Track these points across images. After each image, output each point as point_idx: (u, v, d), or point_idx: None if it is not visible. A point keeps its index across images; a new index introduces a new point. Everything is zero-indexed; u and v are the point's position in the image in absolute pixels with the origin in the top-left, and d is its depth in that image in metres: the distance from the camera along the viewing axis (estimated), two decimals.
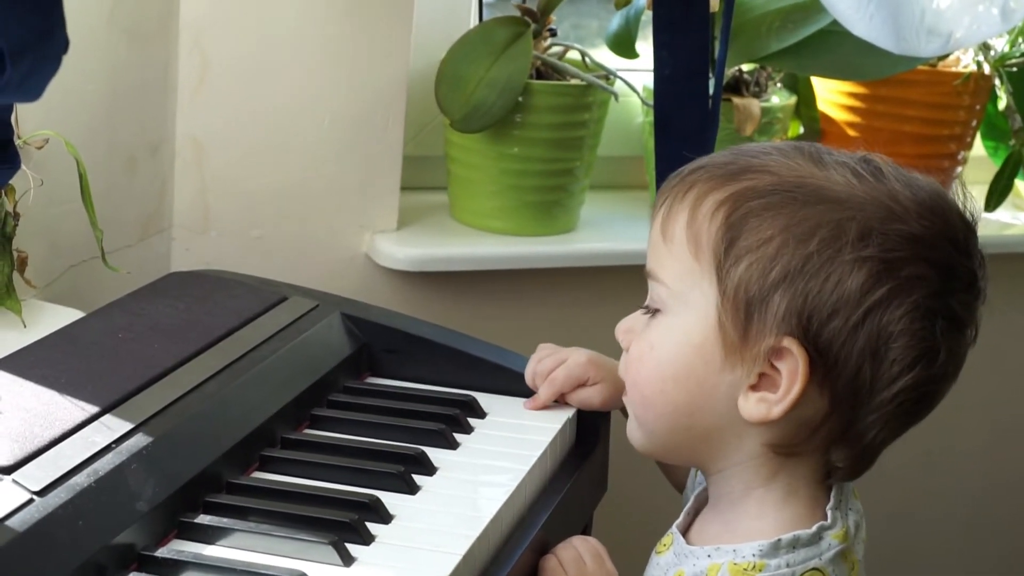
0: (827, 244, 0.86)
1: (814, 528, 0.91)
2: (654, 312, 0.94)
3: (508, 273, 1.64)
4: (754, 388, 0.89)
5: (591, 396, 1.15)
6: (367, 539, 0.93)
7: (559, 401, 1.16)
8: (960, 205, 0.91)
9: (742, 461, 0.93)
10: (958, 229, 0.90)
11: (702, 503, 1.00)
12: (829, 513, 0.92)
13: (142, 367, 1.04)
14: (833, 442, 0.91)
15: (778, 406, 0.88)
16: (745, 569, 0.89)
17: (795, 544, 0.90)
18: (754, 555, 0.90)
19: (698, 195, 0.91)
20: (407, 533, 0.95)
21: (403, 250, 1.56)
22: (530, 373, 1.16)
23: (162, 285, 1.24)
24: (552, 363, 1.15)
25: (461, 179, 1.64)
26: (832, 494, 0.94)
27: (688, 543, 0.95)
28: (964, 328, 0.91)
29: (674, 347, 0.92)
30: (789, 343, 0.87)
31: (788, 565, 0.89)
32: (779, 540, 0.90)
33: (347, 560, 0.90)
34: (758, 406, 0.89)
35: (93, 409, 0.95)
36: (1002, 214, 1.94)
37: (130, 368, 1.03)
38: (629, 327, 0.97)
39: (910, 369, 0.88)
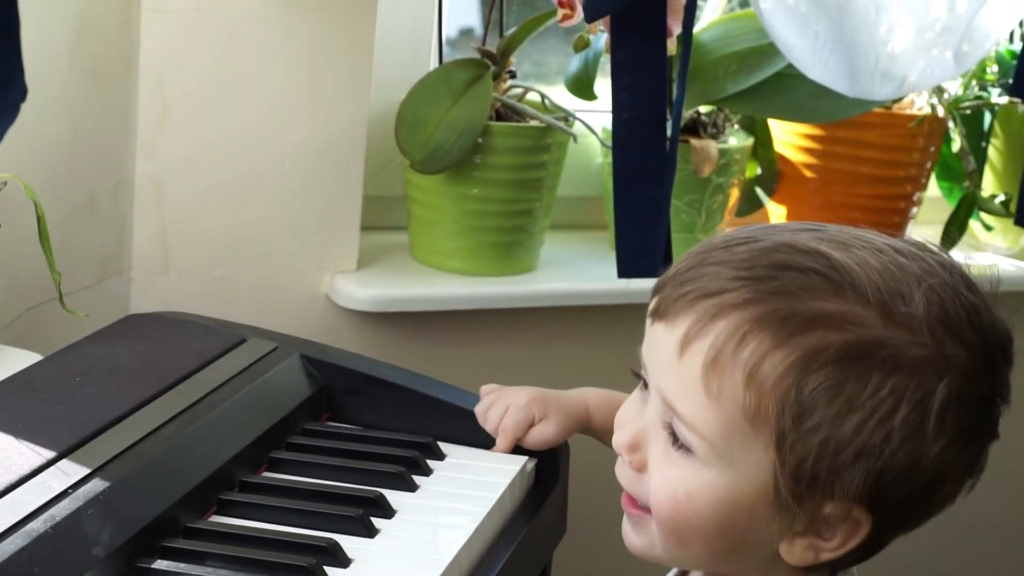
0: (909, 423, 0.80)
1: None
2: (675, 440, 0.85)
3: (468, 313, 1.64)
4: (802, 534, 0.84)
5: (544, 433, 1.15)
6: None
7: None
8: (998, 313, 0.84)
9: (763, 575, 0.88)
10: (1010, 355, 0.84)
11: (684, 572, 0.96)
12: None
13: (100, 411, 1.03)
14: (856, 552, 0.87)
15: (829, 554, 0.84)
16: None
17: None
18: None
19: (758, 354, 0.80)
20: None
21: (363, 290, 1.57)
22: (480, 418, 1.17)
23: (120, 327, 1.24)
24: (498, 412, 1.16)
25: (421, 219, 1.64)
26: None
27: None
28: (996, 440, 0.87)
29: (717, 503, 0.84)
30: (857, 512, 0.82)
31: None
32: None
33: None
34: (805, 552, 0.84)
35: (50, 454, 0.95)
36: (956, 255, 1.95)
37: (87, 412, 1.03)
38: (635, 443, 0.88)
39: (954, 497, 0.85)
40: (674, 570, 0.97)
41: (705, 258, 0.85)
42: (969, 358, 0.81)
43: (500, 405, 1.16)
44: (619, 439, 0.89)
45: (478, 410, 1.18)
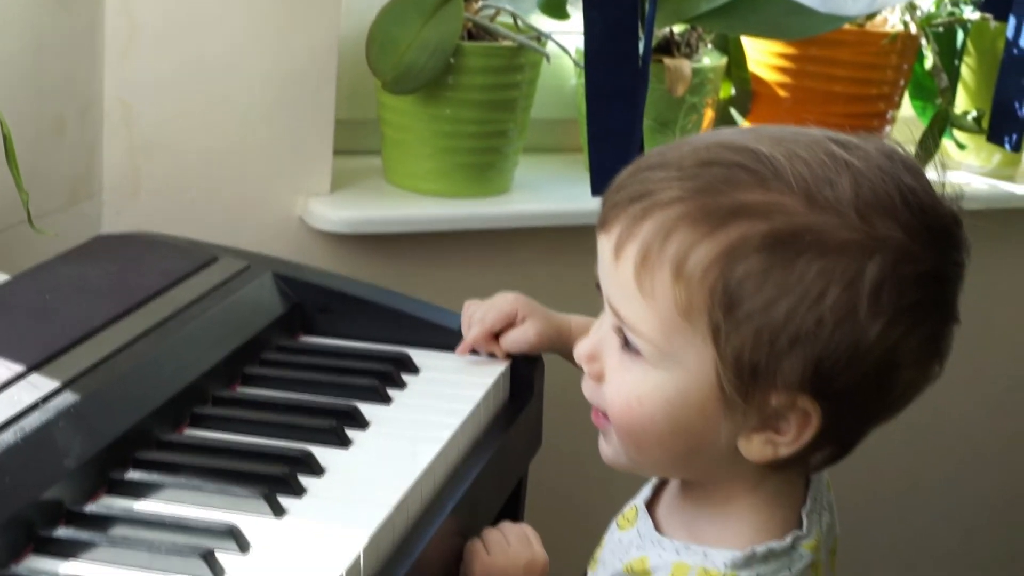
0: (840, 304, 0.80)
1: (788, 540, 0.87)
2: (626, 345, 0.85)
3: (443, 235, 1.64)
4: (761, 429, 0.84)
5: (525, 333, 1.15)
6: (299, 491, 0.93)
7: (495, 355, 1.17)
8: (939, 192, 0.83)
9: (732, 477, 0.88)
10: (954, 235, 0.83)
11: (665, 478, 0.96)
12: (804, 519, 0.89)
13: (69, 327, 1.03)
14: (829, 446, 0.87)
15: (786, 448, 0.84)
16: None
17: (768, 556, 0.86)
18: (726, 564, 0.86)
19: (682, 249, 0.81)
20: (339, 486, 0.95)
21: (337, 212, 1.56)
22: (464, 324, 1.17)
23: (90, 248, 1.23)
24: (482, 308, 1.15)
25: (394, 142, 1.64)
26: (808, 495, 0.91)
27: (655, 527, 0.92)
28: (957, 323, 0.86)
29: (667, 404, 0.84)
30: (803, 401, 0.82)
31: None
32: (753, 552, 0.86)
33: (278, 512, 0.90)
34: (764, 448, 0.84)
35: (19, 368, 0.95)
36: (929, 174, 1.96)
37: (57, 328, 1.03)
38: (593, 353, 0.89)
39: (916, 386, 0.85)
40: (652, 481, 0.97)
41: (640, 165, 0.86)
42: (906, 238, 0.80)
43: (485, 303, 1.16)
44: (579, 350, 0.90)
45: (463, 316, 1.17)
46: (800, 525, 0.89)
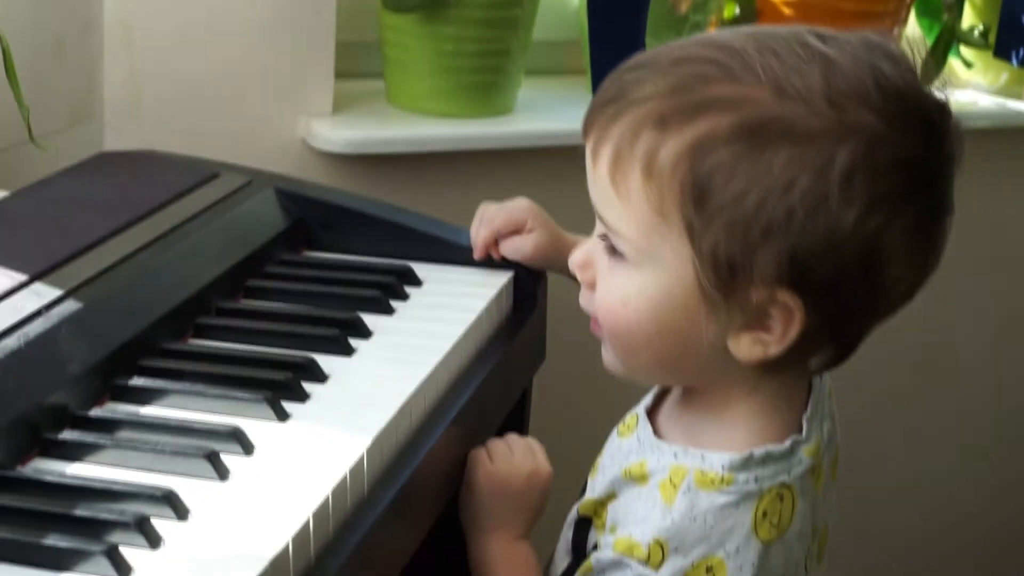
0: (810, 193, 0.79)
1: (788, 443, 0.88)
2: (613, 251, 0.86)
3: (445, 155, 1.63)
4: (749, 328, 0.84)
5: (523, 243, 1.15)
6: (302, 397, 0.93)
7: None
8: (923, 82, 0.82)
9: (728, 380, 0.88)
10: (936, 122, 0.82)
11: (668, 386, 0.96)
12: (804, 424, 0.89)
13: (72, 239, 1.03)
14: (822, 348, 0.87)
15: (775, 346, 0.83)
16: (712, 480, 0.86)
17: (766, 459, 0.87)
18: (723, 467, 0.86)
19: (650, 146, 0.81)
20: (342, 391, 0.96)
21: (339, 133, 1.56)
22: (475, 225, 1.17)
23: (92, 164, 1.23)
24: (494, 210, 1.16)
25: (396, 62, 1.63)
26: (810, 400, 0.91)
27: (655, 433, 0.92)
28: (945, 218, 0.85)
29: (651, 306, 0.85)
30: (783, 295, 0.81)
31: (756, 480, 0.86)
32: (751, 455, 0.86)
33: (282, 416, 0.90)
34: (753, 347, 0.84)
35: (21, 277, 0.95)
36: (936, 90, 1.95)
37: (59, 240, 1.03)
38: (585, 261, 0.90)
39: (905, 281, 0.84)
40: (654, 390, 0.98)
41: (619, 68, 0.86)
42: (881, 124, 0.79)
43: (498, 205, 1.16)
44: (572, 259, 0.91)
45: (476, 217, 1.17)
46: (800, 430, 0.89)
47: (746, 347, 0.84)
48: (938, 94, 0.83)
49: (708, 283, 0.82)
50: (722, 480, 0.86)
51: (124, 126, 1.47)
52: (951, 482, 2.24)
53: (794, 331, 0.83)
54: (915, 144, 0.81)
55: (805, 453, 0.89)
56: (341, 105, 1.60)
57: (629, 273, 0.85)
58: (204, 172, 1.22)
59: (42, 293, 0.94)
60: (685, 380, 0.92)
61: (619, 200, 0.83)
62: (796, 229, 0.79)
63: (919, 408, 2.17)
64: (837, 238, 0.80)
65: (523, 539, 1.00)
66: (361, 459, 0.85)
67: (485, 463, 1.01)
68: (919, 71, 0.83)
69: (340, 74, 1.60)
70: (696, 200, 0.80)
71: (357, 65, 1.69)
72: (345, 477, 0.83)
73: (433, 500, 0.97)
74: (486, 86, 1.63)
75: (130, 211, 1.11)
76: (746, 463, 0.86)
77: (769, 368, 0.86)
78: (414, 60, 1.60)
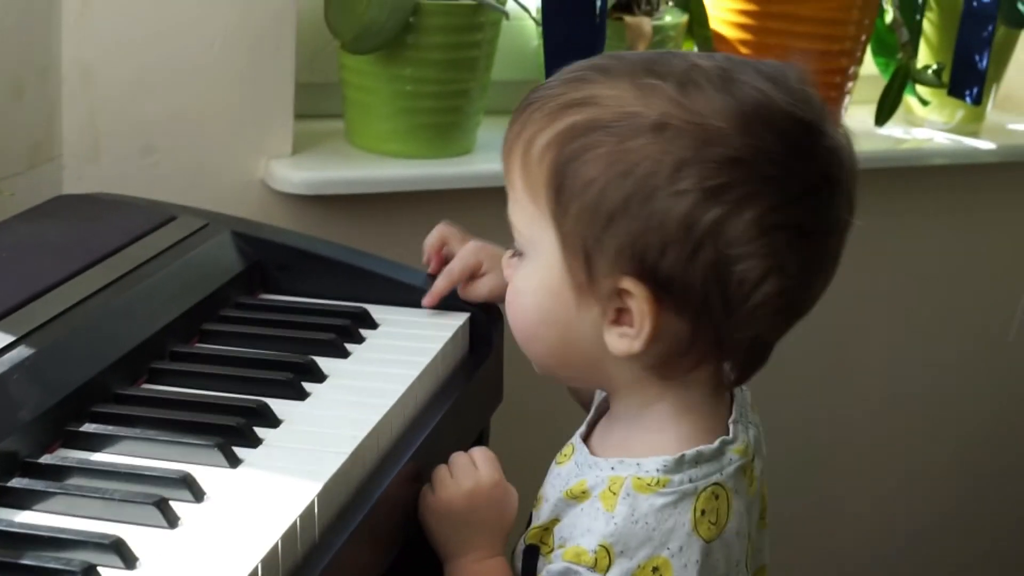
0: (644, 182, 0.84)
1: (716, 443, 0.91)
2: (519, 254, 0.93)
3: (405, 195, 1.64)
4: (615, 323, 0.89)
5: (479, 289, 1.18)
6: (254, 442, 0.93)
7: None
8: (799, 102, 0.86)
9: (630, 383, 0.93)
10: (791, 135, 0.85)
11: (602, 412, 1.00)
12: (731, 427, 0.93)
13: (26, 283, 1.03)
14: (711, 355, 0.91)
15: (637, 340, 0.88)
16: (648, 484, 0.89)
17: (698, 459, 0.90)
18: (658, 470, 0.89)
19: (528, 137, 0.89)
20: (295, 436, 0.96)
21: (299, 174, 1.56)
22: (427, 249, 1.20)
23: (49, 207, 1.23)
24: (440, 235, 1.19)
25: (356, 103, 1.64)
26: (733, 406, 0.95)
27: (591, 453, 0.95)
28: (819, 234, 0.88)
29: (534, 294, 0.92)
30: (628, 284, 0.86)
31: (691, 480, 0.90)
32: (683, 456, 0.90)
33: (233, 462, 0.90)
34: (620, 341, 0.89)
35: None
36: (894, 129, 1.97)
37: (13, 284, 1.03)
38: (507, 262, 0.97)
39: (760, 285, 0.86)
40: (587, 417, 1.00)
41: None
42: (724, 124, 0.84)
43: (443, 236, 1.19)
44: (503, 260, 0.97)
45: (428, 240, 1.20)
46: (727, 432, 0.93)
47: (614, 341, 0.89)
48: (822, 122, 0.87)
49: (570, 269, 0.89)
50: (658, 482, 0.89)
51: (83, 168, 1.47)
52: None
53: (648, 325, 0.87)
54: (752, 145, 0.84)
55: (734, 452, 0.93)
56: (301, 145, 1.61)
57: (522, 264, 0.93)
58: (161, 215, 1.22)
59: None
60: (583, 377, 0.97)
61: (511, 191, 0.92)
62: (632, 216, 0.85)
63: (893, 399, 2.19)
64: (670, 228, 0.84)
65: (493, 556, 0.99)
66: (312, 504, 0.86)
67: (426, 495, 1.00)
68: (813, 103, 0.87)
69: (300, 114, 1.61)
70: (556, 188, 0.87)
71: (317, 105, 1.70)
72: (295, 523, 0.83)
73: (388, 543, 0.97)
74: (445, 126, 1.64)
75: (86, 255, 1.11)
76: (679, 464, 0.90)
77: (660, 373, 0.91)
78: (374, 101, 1.61)
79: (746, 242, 0.85)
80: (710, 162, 0.84)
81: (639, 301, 0.87)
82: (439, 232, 1.21)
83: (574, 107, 0.87)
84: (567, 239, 0.88)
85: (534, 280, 0.92)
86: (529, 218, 0.90)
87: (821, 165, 0.87)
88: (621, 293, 0.87)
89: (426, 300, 1.18)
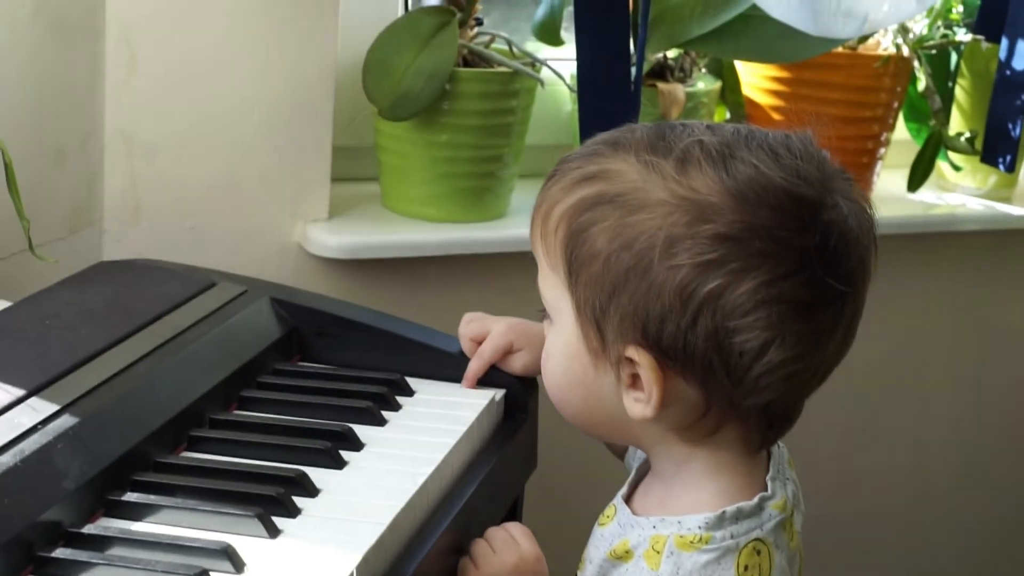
0: (642, 255, 0.88)
1: (756, 499, 0.93)
2: (549, 319, 0.97)
3: (440, 259, 1.66)
4: (631, 387, 0.92)
5: (512, 366, 1.18)
6: (293, 512, 0.94)
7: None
8: (798, 177, 0.87)
9: (659, 443, 0.95)
10: (786, 210, 0.87)
11: (644, 472, 1.01)
12: (769, 484, 0.94)
13: (69, 351, 1.05)
14: (730, 418, 0.92)
15: (649, 406, 0.91)
16: (691, 541, 0.91)
17: (738, 516, 0.92)
18: (700, 527, 0.91)
19: (547, 208, 0.93)
20: (333, 506, 0.96)
21: (335, 238, 1.58)
22: (462, 341, 1.20)
23: (90, 274, 1.25)
24: (476, 328, 1.18)
25: (391, 168, 1.65)
26: (770, 463, 0.96)
27: (632, 513, 0.96)
28: (820, 305, 0.88)
29: (559, 357, 0.95)
30: (632, 352, 0.89)
31: (732, 536, 0.91)
32: (723, 512, 0.91)
33: (273, 532, 0.91)
34: (636, 405, 0.92)
35: (19, 392, 0.96)
36: (926, 194, 1.98)
37: (57, 353, 1.04)
38: (546, 326, 0.99)
39: (760, 356, 0.88)
40: (629, 478, 1.01)
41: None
42: (720, 199, 0.87)
43: (479, 325, 1.19)
44: (545, 322, 0.99)
45: (461, 331, 1.20)
46: (766, 489, 0.94)
47: (631, 405, 0.92)
48: (823, 195, 0.88)
49: (586, 338, 0.92)
50: (701, 539, 0.91)
51: (123, 232, 1.49)
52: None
53: (656, 391, 0.89)
54: (751, 225, 0.86)
55: (774, 507, 0.94)
56: (337, 209, 1.63)
57: (551, 330, 0.97)
58: (200, 282, 1.24)
59: (39, 408, 0.95)
60: (614, 435, 1.01)
61: (537, 260, 0.96)
62: (633, 288, 0.88)
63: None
64: (667, 299, 0.87)
65: None
66: None
67: (470, 570, 1.01)
68: (816, 175, 0.88)
69: (336, 177, 1.63)
70: (568, 258, 0.91)
71: (353, 169, 1.72)
72: None
73: None
74: (480, 191, 1.66)
75: (127, 322, 1.12)
76: (720, 520, 0.91)
77: (682, 436, 0.93)
78: (409, 166, 1.63)
79: (743, 315, 0.87)
80: (702, 238, 0.87)
81: (646, 369, 0.90)
82: (467, 329, 1.20)
83: (585, 181, 0.91)
84: (580, 307, 0.92)
85: (559, 345, 0.95)
86: (551, 285, 0.94)
87: (820, 239, 0.87)
88: (630, 360, 0.90)
89: (464, 383, 1.19)
